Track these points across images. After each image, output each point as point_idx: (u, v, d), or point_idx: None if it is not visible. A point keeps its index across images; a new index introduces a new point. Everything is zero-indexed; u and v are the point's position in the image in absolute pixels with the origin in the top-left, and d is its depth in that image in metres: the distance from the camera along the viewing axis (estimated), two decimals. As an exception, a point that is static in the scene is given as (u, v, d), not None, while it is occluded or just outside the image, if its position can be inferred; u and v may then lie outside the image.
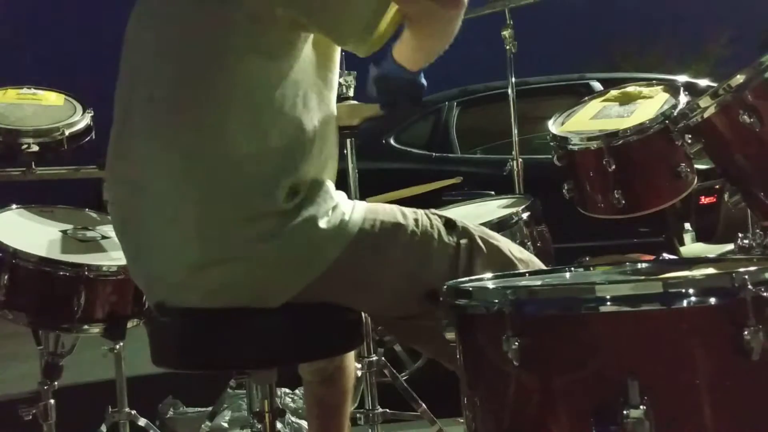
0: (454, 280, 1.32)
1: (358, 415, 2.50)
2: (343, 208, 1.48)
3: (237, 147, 1.41)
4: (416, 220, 1.54)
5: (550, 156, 2.31)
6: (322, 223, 1.44)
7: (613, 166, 2.12)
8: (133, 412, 2.58)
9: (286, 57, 1.45)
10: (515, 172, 2.86)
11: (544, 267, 1.63)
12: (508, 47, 2.94)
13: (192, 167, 1.42)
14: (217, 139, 1.41)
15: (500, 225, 2.02)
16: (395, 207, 1.57)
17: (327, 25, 1.48)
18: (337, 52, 1.59)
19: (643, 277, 1.32)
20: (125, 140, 1.53)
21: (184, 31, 1.48)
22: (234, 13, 1.44)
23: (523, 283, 1.36)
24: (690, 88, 2.36)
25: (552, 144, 2.30)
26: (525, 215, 2.08)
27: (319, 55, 1.52)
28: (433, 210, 1.64)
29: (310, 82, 1.50)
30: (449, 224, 1.57)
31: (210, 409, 3.06)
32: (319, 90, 1.53)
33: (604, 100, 2.41)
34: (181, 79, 1.45)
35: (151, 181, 1.46)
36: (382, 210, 1.54)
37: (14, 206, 2.32)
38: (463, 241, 1.55)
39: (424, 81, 1.69)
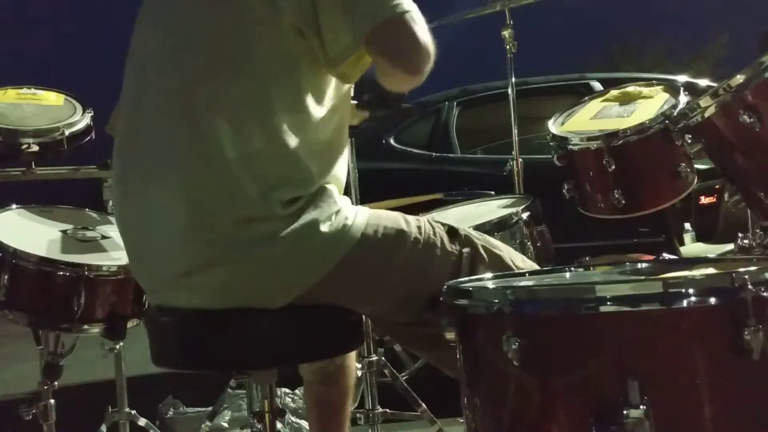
0: (455, 280, 1.32)
1: (358, 415, 2.50)
2: (346, 213, 1.48)
3: (239, 149, 1.41)
4: (419, 228, 1.54)
5: (550, 156, 2.31)
6: (324, 227, 1.44)
7: (613, 166, 2.11)
8: (133, 412, 2.58)
9: (299, 62, 1.45)
10: (515, 172, 2.86)
11: None
12: (508, 47, 2.94)
13: (192, 170, 1.42)
14: (219, 142, 1.41)
15: (500, 225, 2.02)
16: (398, 214, 1.57)
17: (324, 33, 1.45)
18: None
19: (643, 277, 1.32)
20: (131, 138, 1.55)
21: (191, 34, 1.49)
22: (243, 17, 1.44)
23: (523, 283, 1.36)
24: (690, 88, 2.36)
25: (552, 144, 2.30)
26: (525, 215, 2.08)
27: None
28: (435, 218, 1.64)
29: (323, 87, 1.50)
30: (452, 232, 1.57)
31: (210, 409, 3.06)
32: (331, 95, 1.53)
33: (604, 100, 2.41)
34: (186, 82, 1.45)
35: (151, 181, 1.47)
36: (386, 216, 1.55)
37: (14, 206, 2.31)
38: (465, 250, 1.55)
39: None
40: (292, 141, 1.43)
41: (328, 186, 1.49)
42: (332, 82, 1.52)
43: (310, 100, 1.47)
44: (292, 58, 1.45)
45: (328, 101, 1.51)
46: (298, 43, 1.44)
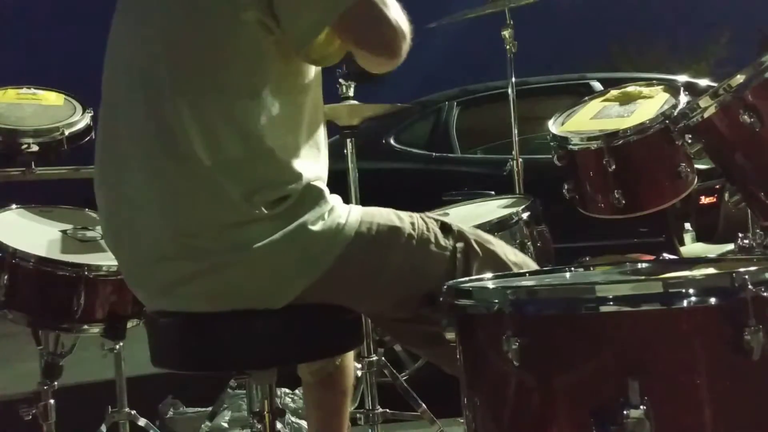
0: (455, 280, 1.32)
1: (358, 415, 2.50)
2: (339, 211, 1.48)
3: (214, 155, 1.40)
4: (413, 224, 1.54)
5: (550, 156, 2.31)
6: (318, 227, 1.44)
7: (613, 166, 2.12)
8: (133, 412, 2.58)
9: (266, 61, 1.44)
10: (515, 172, 2.86)
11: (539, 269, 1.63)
12: (508, 47, 2.94)
13: (171, 179, 1.42)
14: (193, 150, 1.40)
15: (500, 225, 2.02)
16: (391, 210, 1.57)
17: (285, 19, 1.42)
18: None
19: (643, 277, 1.32)
20: (110, 143, 1.54)
21: (171, 34, 1.47)
22: (205, 19, 1.43)
23: (523, 283, 1.36)
24: (690, 88, 2.36)
25: (552, 144, 2.30)
26: (525, 215, 2.08)
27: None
28: (428, 213, 1.64)
29: (298, 86, 1.49)
30: (445, 228, 1.57)
31: (210, 409, 3.06)
32: (307, 93, 1.52)
33: (604, 100, 2.41)
34: (163, 85, 1.44)
35: (135, 189, 1.46)
36: (378, 213, 1.54)
37: (14, 206, 2.32)
38: (459, 245, 1.55)
39: None
40: (269, 142, 1.42)
41: (316, 184, 1.48)
42: (304, 80, 1.51)
43: (280, 100, 1.45)
44: (259, 58, 1.43)
45: (301, 99, 1.50)
46: (265, 38, 1.42)
